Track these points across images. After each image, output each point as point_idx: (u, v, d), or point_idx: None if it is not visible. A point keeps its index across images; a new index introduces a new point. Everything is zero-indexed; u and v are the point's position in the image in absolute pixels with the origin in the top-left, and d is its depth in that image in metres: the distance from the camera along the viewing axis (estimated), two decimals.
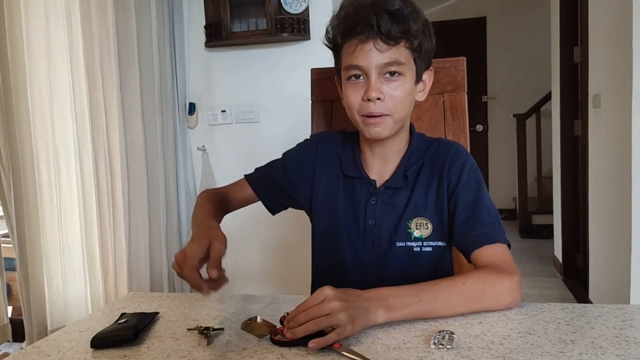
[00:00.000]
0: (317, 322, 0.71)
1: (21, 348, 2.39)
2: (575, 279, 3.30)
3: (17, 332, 2.45)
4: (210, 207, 1.03)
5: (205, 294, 0.78)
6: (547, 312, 0.84)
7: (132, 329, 0.80)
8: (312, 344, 0.71)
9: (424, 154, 1.06)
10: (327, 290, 0.74)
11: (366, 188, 1.06)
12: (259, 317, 0.76)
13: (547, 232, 4.23)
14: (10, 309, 2.55)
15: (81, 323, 0.90)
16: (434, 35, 1.01)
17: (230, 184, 1.17)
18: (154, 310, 0.92)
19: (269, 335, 0.76)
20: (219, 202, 1.08)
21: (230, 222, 2.60)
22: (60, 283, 2.26)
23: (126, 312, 0.91)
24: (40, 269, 2.24)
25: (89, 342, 0.78)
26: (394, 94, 0.96)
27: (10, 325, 2.48)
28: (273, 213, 1.18)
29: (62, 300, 2.26)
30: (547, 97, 4.22)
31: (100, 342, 0.78)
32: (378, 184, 1.06)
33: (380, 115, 0.96)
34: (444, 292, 0.84)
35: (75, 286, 2.26)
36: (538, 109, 4.55)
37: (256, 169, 1.19)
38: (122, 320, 0.85)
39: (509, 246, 0.97)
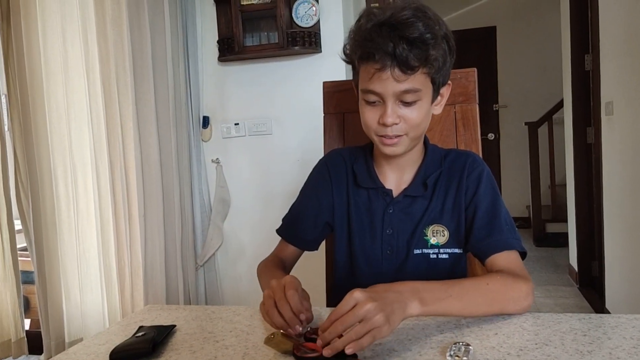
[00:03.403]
0: (357, 332, 0.68)
1: None
2: (591, 288, 3.26)
3: (35, 344, 2.48)
4: (272, 270, 1.06)
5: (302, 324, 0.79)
6: (564, 322, 0.83)
7: (150, 342, 0.81)
8: (349, 349, 0.68)
9: (441, 162, 1.07)
10: (357, 294, 0.72)
11: (382, 198, 1.07)
12: (281, 332, 0.76)
13: (561, 240, 4.19)
14: (28, 321, 2.57)
15: (100, 336, 0.92)
16: (455, 49, 0.98)
17: (275, 248, 1.18)
18: (171, 323, 0.93)
19: (292, 351, 0.75)
20: (276, 264, 1.11)
21: (242, 235, 2.60)
22: (78, 296, 2.28)
23: (144, 325, 0.92)
24: (58, 282, 2.27)
25: (108, 356, 0.79)
26: (410, 116, 0.96)
27: (26, 339, 2.50)
28: (317, 249, 1.18)
29: (80, 313, 2.29)
30: (559, 105, 4.20)
31: (119, 355, 0.79)
32: (395, 193, 1.06)
33: (396, 136, 0.97)
34: (470, 291, 0.86)
35: (93, 299, 2.28)
36: (550, 116, 4.53)
37: (283, 220, 1.18)
38: (140, 334, 0.86)
39: (526, 254, 1.00)
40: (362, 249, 1.08)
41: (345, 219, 1.10)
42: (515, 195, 5.22)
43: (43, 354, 2.32)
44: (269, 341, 0.76)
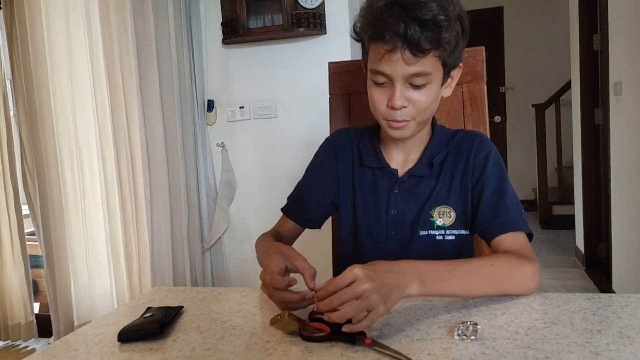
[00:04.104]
0: (355, 308, 0.69)
1: (48, 344, 2.44)
2: (598, 270, 3.26)
3: (44, 328, 2.51)
4: (269, 240, 1.07)
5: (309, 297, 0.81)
6: (572, 302, 0.83)
7: (158, 322, 0.82)
8: (345, 328, 0.70)
9: (448, 143, 1.06)
10: (357, 271, 0.71)
11: (388, 178, 1.06)
12: (287, 313, 0.75)
13: (568, 222, 4.18)
14: (37, 305, 2.60)
15: (108, 318, 0.92)
16: (468, 30, 0.95)
17: (276, 223, 1.18)
18: (178, 305, 0.93)
19: (298, 331, 0.75)
20: (274, 237, 1.11)
21: (249, 218, 2.60)
22: (86, 279, 2.30)
23: (151, 306, 0.93)
24: (66, 266, 2.28)
25: (116, 336, 0.80)
26: (418, 99, 0.94)
27: (35, 322, 2.53)
28: (320, 227, 1.18)
29: (88, 296, 2.31)
30: (567, 86, 4.16)
31: (127, 335, 0.80)
32: (400, 173, 1.06)
33: (403, 120, 0.96)
34: (474, 272, 0.85)
35: (101, 282, 2.30)
36: (557, 98, 4.49)
37: (288, 198, 1.18)
38: (147, 314, 0.86)
39: (532, 235, 0.99)
40: (367, 229, 1.07)
41: (350, 199, 1.10)
42: (521, 178, 5.20)
43: (52, 337, 2.35)
44: (275, 322, 0.76)
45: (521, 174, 5.23)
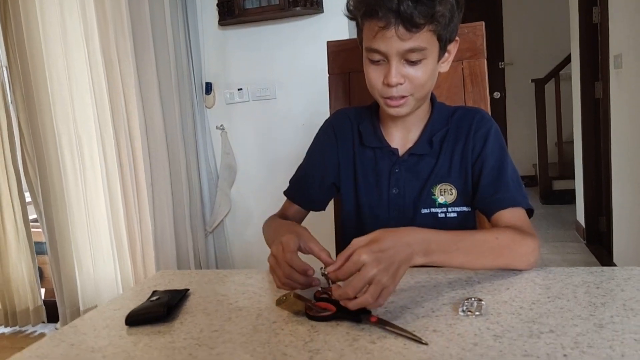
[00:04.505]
0: (371, 294, 0.68)
1: (56, 328, 2.47)
2: (598, 244, 3.28)
3: (51, 313, 2.53)
4: (279, 220, 1.09)
5: (312, 273, 0.81)
6: (576, 276, 0.83)
7: (165, 305, 0.82)
8: (351, 304, 0.70)
9: (448, 120, 1.05)
10: (364, 257, 0.70)
11: (389, 157, 1.06)
12: (293, 293, 0.76)
13: (568, 197, 4.19)
14: (43, 291, 2.62)
15: (114, 302, 0.93)
16: (463, 3, 0.95)
17: (281, 207, 1.18)
18: (184, 287, 0.94)
19: (304, 311, 0.76)
20: (280, 217, 1.13)
21: (250, 200, 2.59)
22: (90, 264, 2.31)
23: (157, 290, 0.93)
24: (69, 252, 2.30)
25: (124, 320, 0.80)
26: (415, 75, 0.94)
27: (44, 307, 2.56)
28: (324, 209, 1.18)
29: (93, 282, 2.32)
30: (566, 61, 4.12)
31: (134, 319, 0.80)
32: (400, 153, 1.05)
33: (401, 97, 0.96)
34: (479, 245, 0.86)
35: (105, 267, 2.31)
36: (557, 72, 4.45)
37: (290, 181, 1.18)
38: (154, 298, 0.87)
39: (533, 211, 1.00)
40: (369, 209, 1.07)
41: (351, 180, 1.10)
42: (521, 154, 5.18)
43: (59, 322, 2.37)
44: (280, 303, 0.76)
45: (521, 150, 5.22)
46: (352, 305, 0.70)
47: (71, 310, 2.33)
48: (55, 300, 2.37)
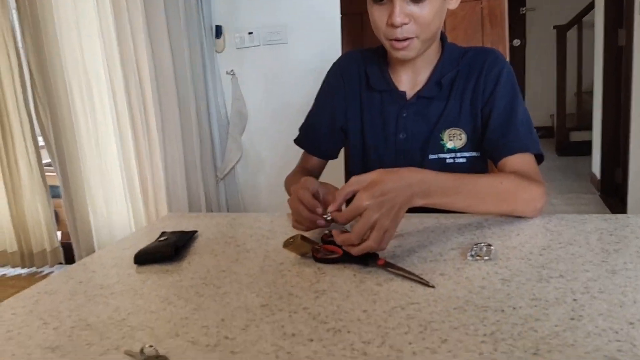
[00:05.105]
0: (374, 240, 0.68)
1: None
2: (613, 195, 3.24)
3: (67, 255, 2.59)
4: (295, 178, 1.06)
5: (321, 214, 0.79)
6: (589, 223, 0.82)
7: (173, 246, 0.83)
8: (355, 250, 0.69)
9: (458, 61, 1.01)
10: (366, 202, 0.68)
11: (396, 101, 1.03)
12: (300, 235, 0.75)
13: (584, 148, 4.12)
14: (59, 234, 2.67)
15: (123, 241, 0.93)
16: None
17: (299, 161, 1.18)
18: (192, 229, 0.94)
19: (311, 254, 0.76)
20: (301, 173, 1.11)
21: (261, 147, 2.58)
22: (104, 208, 2.34)
23: (166, 231, 0.94)
24: (83, 196, 2.32)
25: (132, 259, 0.81)
26: (420, 14, 0.89)
27: (61, 248, 2.61)
28: (337, 157, 1.17)
29: (107, 225, 2.36)
30: (590, 6, 3.96)
31: (143, 258, 0.81)
32: (408, 96, 1.02)
33: (406, 39, 0.91)
34: (482, 190, 0.84)
35: (118, 210, 2.34)
36: (580, 19, 4.29)
37: (300, 129, 1.17)
38: (162, 238, 0.87)
39: (542, 156, 0.96)
40: (376, 154, 1.06)
41: (358, 124, 1.08)
42: (539, 104, 5.07)
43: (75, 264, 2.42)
44: (288, 244, 0.76)
45: (539, 100, 5.11)
46: (356, 251, 0.69)
47: (87, 252, 2.38)
48: (70, 243, 2.42)
